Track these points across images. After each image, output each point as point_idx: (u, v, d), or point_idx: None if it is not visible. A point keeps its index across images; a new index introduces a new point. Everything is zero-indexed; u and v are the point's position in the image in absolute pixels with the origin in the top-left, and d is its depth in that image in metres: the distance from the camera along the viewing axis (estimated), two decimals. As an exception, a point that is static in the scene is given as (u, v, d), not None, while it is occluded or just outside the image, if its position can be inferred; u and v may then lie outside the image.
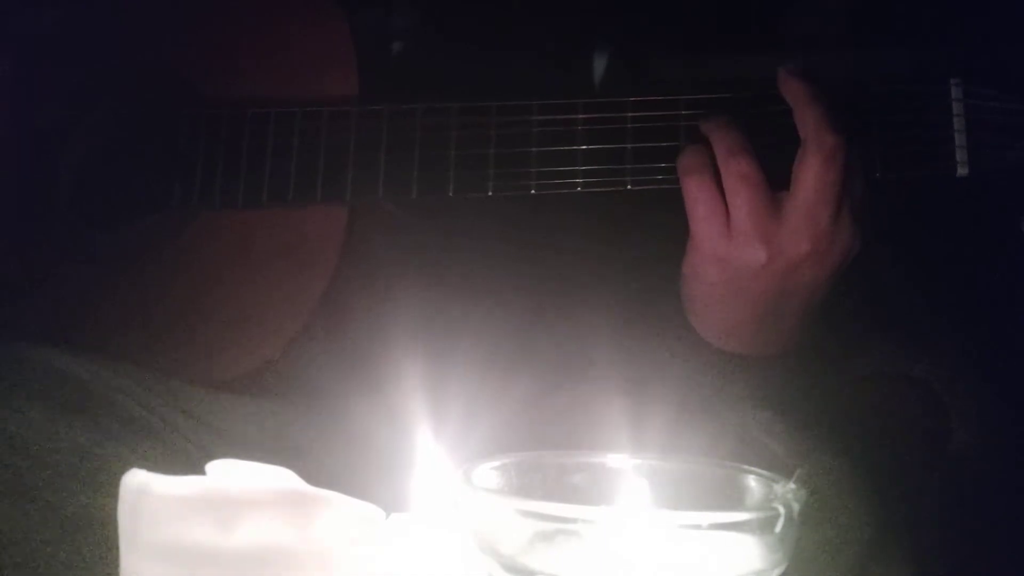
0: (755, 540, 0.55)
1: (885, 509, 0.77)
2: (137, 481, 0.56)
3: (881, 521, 0.76)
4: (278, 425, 0.96)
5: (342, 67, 0.99)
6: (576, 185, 0.94)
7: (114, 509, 0.57)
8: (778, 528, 0.55)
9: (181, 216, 1.00)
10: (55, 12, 1.06)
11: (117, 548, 0.57)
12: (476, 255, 1.02)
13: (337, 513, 0.57)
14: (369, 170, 0.96)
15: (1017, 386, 0.92)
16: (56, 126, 1.06)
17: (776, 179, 0.88)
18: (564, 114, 0.94)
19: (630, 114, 0.93)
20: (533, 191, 0.94)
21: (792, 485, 0.58)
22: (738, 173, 0.88)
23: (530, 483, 0.61)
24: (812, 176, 0.86)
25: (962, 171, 0.90)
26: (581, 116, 0.94)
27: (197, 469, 0.58)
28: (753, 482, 0.60)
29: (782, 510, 0.55)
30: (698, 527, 0.54)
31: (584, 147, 0.93)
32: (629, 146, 0.93)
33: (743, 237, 0.88)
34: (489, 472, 0.60)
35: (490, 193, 0.94)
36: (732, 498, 0.60)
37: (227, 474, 0.60)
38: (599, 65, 1.07)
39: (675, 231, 0.92)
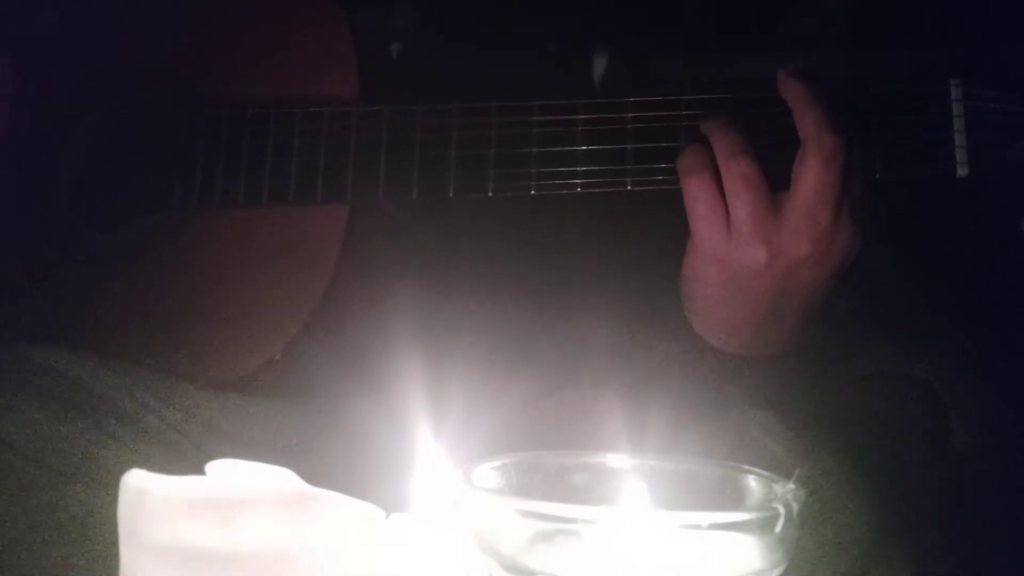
0: (755, 540, 0.55)
1: (885, 509, 0.77)
2: (137, 481, 0.56)
3: (881, 521, 0.76)
4: (278, 425, 0.96)
5: (342, 67, 0.99)
6: (576, 185, 0.94)
7: (114, 509, 0.57)
8: (778, 528, 0.55)
9: (181, 216, 1.00)
10: (55, 12, 1.06)
11: (117, 548, 0.57)
12: (476, 255, 1.02)
13: (337, 513, 0.57)
14: (369, 170, 0.96)
15: (1017, 386, 0.92)
16: (56, 126, 1.06)
17: (776, 179, 0.88)
18: (564, 114, 0.94)
19: (630, 114, 0.93)
20: (533, 191, 0.94)
21: (792, 485, 0.58)
22: (738, 174, 0.88)
23: (530, 483, 0.61)
24: (812, 177, 0.86)
25: (962, 171, 0.90)
26: (581, 116, 0.94)
27: (197, 469, 0.58)
28: (753, 482, 0.60)
29: (782, 510, 0.55)
30: (698, 527, 0.54)
31: (584, 147, 0.93)
32: (629, 146, 0.93)
33: (743, 238, 0.88)
34: (489, 472, 0.59)
35: (490, 194, 0.94)
36: (732, 498, 0.60)
37: (227, 474, 0.60)
38: (599, 65, 1.07)
39: (675, 231, 0.92)
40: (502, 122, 0.95)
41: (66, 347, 0.93)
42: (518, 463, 0.61)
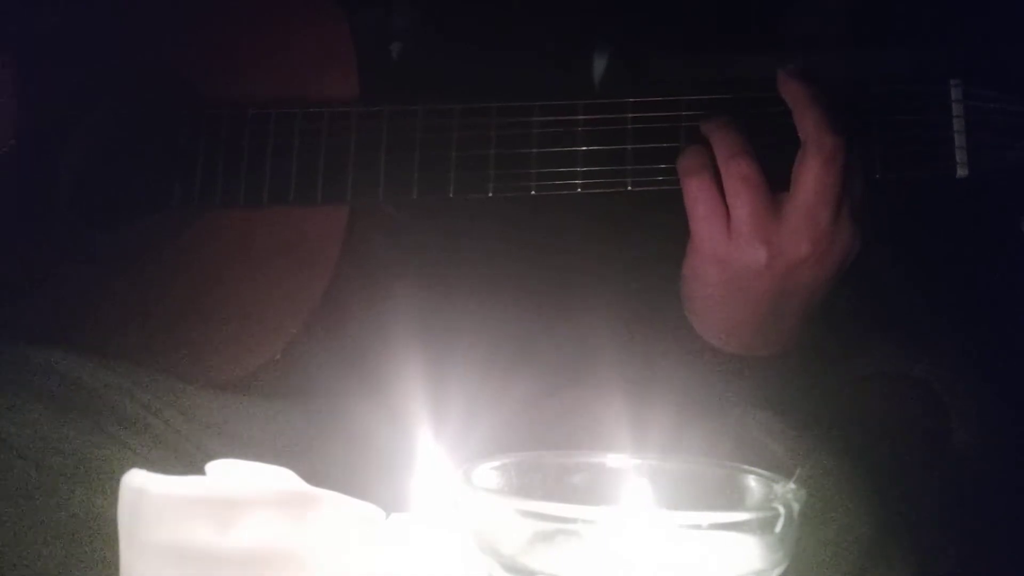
0: (755, 540, 0.55)
1: (885, 509, 0.77)
2: (137, 481, 0.56)
3: (881, 521, 0.76)
4: (278, 425, 0.96)
5: (342, 68, 0.99)
6: (576, 186, 0.94)
7: (113, 510, 0.57)
8: (778, 528, 0.55)
9: (181, 216, 1.00)
10: (55, 12, 1.06)
11: (116, 549, 0.57)
12: (476, 256, 1.02)
13: (337, 513, 0.57)
14: (369, 171, 0.96)
15: (1017, 386, 0.92)
16: (56, 126, 1.06)
17: (776, 180, 0.88)
18: (564, 115, 0.94)
19: (630, 115, 0.93)
20: (533, 192, 0.94)
21: (792, 485, 0.58)
22: (738, 174, 0.88)
23: (530, 483, 0.61)
24: (812, 177, 0.86)
25: (962, 172, 0.90)
26: (581, 117, 0.94)
27: (197, 469, 0.58)
28: (753, 482, 0.60)
29: (782, 510, 0.55)
30: (698, 527, 0.54)
31: (584, 148, 0.93)
32: (629, 147, 0.93)
33: (743, 238, 0.88)
34: (489, 472, 0.59)
35: (490, 194, 0.94)
36: (732, 498, 0.60)
37: (227, 474, 0.60)
38: (599, 65, 1.07)
39: (675, 232, 0.92)
40: (502, 123, 0.95)
41: (66, 347, 0.93)
42: (518, 463, 0.61)
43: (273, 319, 0.96)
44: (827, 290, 0.90)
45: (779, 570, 0.56)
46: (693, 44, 1.07)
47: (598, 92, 1.06)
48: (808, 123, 0.87)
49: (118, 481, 0.57)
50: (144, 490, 0.56)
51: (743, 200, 0.88)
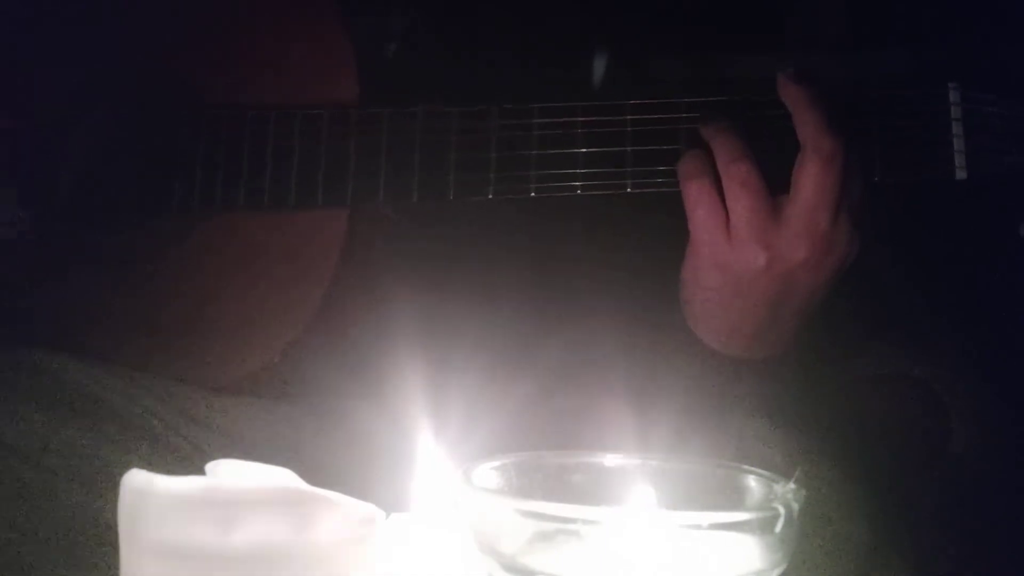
0: (755, 540, 0.55)
1: (884, 510, 0.77)
2: (137, 481, 0.56)
3: (880, 522, 0.76)
4: (278, 426, 0.96)
5: (342, 71, 0.99)
6: (576, 188, 0.94)
7: (112, 512, 0.57)
8: (778, 528, 0.55)
9: (181, 219, 1.00)
10: (55, 12, 1.06)
11: (114, 550, 0.57)
12: (476, 258, 1.02)
13: (337, 513, 0.57)
14: (370, 174, 0.96)
15: (1017, 386, 0.92)
16: (56, 126, 1.05)
17: (776, 183, 0.88)
18: (564, 117, 0.94)
19: (630, 117, 0.93)
20: (533, 194, 0.94)
21: (792, 485, 0.58)
22: (738, 178, 0.88)
23: (530, 483, 0.61)
24: (811, 180, 0.87)
25: (961, 175, 0.90)
26: (581, 119, 0.94)
27: (197, 470, 0.58)
28: (753, 482, 0.60)
29: (782, 510, 0.55)
30: (698, 527, 0.54)
31: (584, 150, 0.94)
32: (629, 149, 0.93)
33: (743, 241, 0.88)
34: (489, 472, 0.60)
35: (490, 196, 0.94)
36: (732, 498, 0.60)
37: (227, 474, 0.60)
38: (599, 66, 1.07)
39: (675, 234, 0.92)
40: (502, 125, 0.95)
41: (66, 351, 0.93)
42: (518, 463, 0.61)
43: (273, 321, 0.96)
44: (826, 292, 0.90)
45: (779, 570, 0.56)
46: (693, 44, 1.07)
47: (598, 94, 1.06)
48: (807, 126, 0.87)
49: (116, 482, 0.57)
50: (144, 490, 0.56)
51: (742, 204, 0.88)
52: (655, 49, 1.07)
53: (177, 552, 0.55)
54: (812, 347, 0.94)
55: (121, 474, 0.57)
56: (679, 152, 0.91)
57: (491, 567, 0.56)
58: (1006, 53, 0.93)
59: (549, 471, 0.62)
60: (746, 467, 0.61)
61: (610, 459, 0.63)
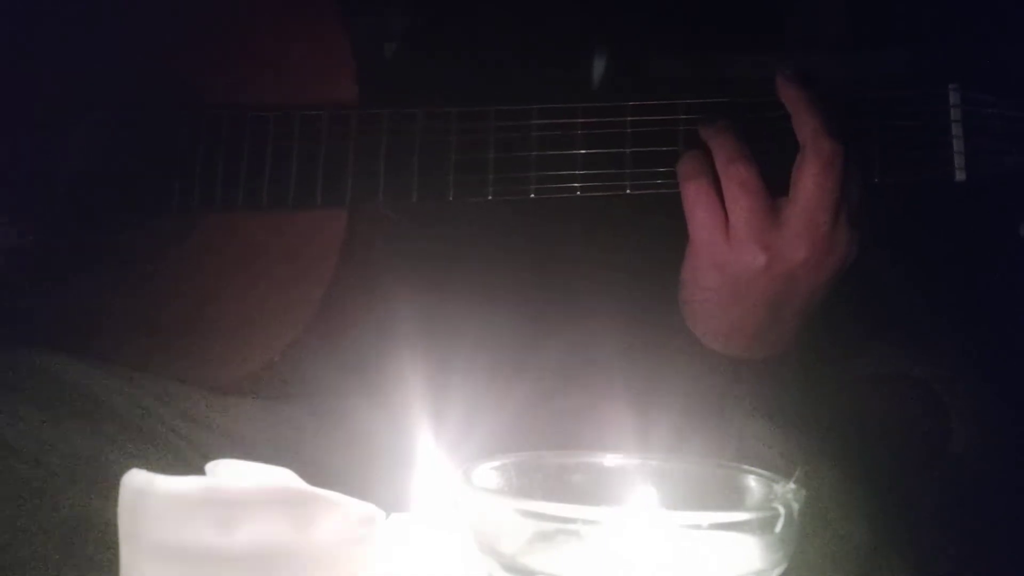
0: (755, 540, 0.55)
1: (884, 511, 0.77)
2: (137, 481, 0.56)
3: (880, 523, 0.77)
4: (278, 425, 0.96)
5: (341, 71, 0.99)
6: (575, 189, 0.94)
7: (111, 512, 0.57)
8: (778, 528, 0.55)
9: (181, 219, 1.00)
10: (55, 12, 1.06)
11: (113, 550, 0.57)
12: (476, 258, 1.02)
13: (337, 513, 0.57)
14: (369, 175, 0.96)
15: (1017, 386, 0.92)
16: (56, 127, 1.05)
17: (775, 184, 0.88)
18: (563, 118, 0.94)
19: (629, 118, 0.93)
20: (532, 195, 0.94)
21: (792, 485, 0.58)
22: (737, 179, 0.88)
23: (530, 483, 0.61)
24: (810, 182, 0.87)
25: (960, 176, 0.90)
26: (580, 120, 0.94)
27: (196, 471, 0.58)
28: (753, 482, 0.60)
29: (782, 510, 0.55)
30: (698, 527, 0.54)
31: (583, 151, 0.94)
32: (628, 150, 0.93)
33: (742, 242, 0.88)
34: (489, 472, 0.60)
35: (490, 197, 0.94)
36: (732, 498, 0.60)
37: (227, 474, 0.60)
38: (599, 66, 1.07)
39: (674, 235, 0.92)
40: (501, 126, 0.95)
41: (66, 351, 0.93)
42: (518, 463, 0.61)
43: (273, 321, 0.96)
44: (826, 293, 0.90)
45: (779, 570, 0.56)
46: (693, 44, 1.07)
47: (597, 93, 1.06)
48: (806, 127, 0.87)
49: (115, 483, 0.57)
50: (144, 490, 0.56)
51: (742, 205, 0.88)
52: (655, 49, 1.07)
53: (177, 552, 0.55)
54: (812, 347, 0.94)
55: (121, 474, 0.57)
56: (678, 153, 0.91)
57: (491, 567, 0.56)
58: (1006, 54, 0.93)
59: (549, 471, 0.62)
60: (746, 467, 0.61)
61: (610, 459, 0.63)
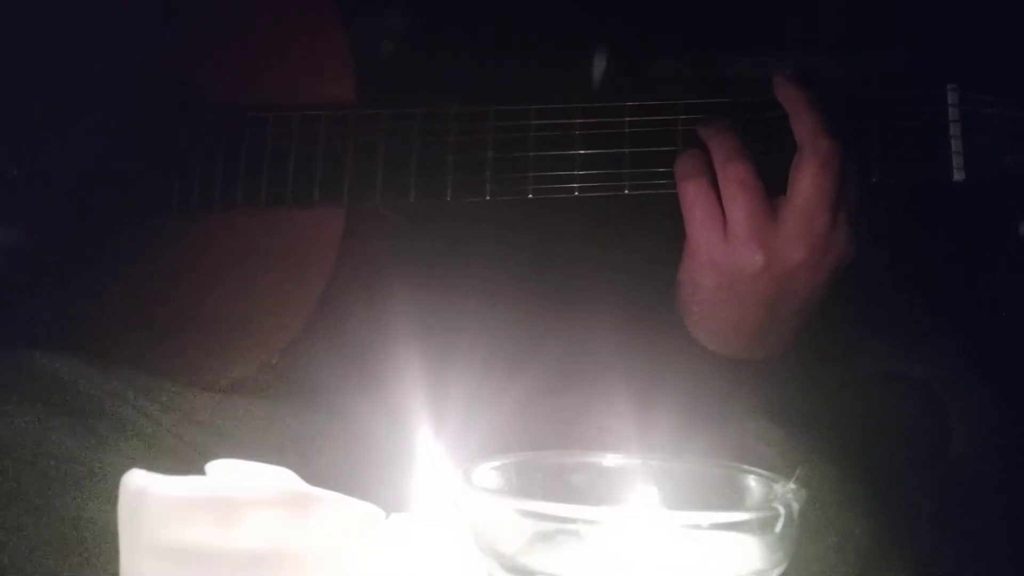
0: (755, 540, 0.55)
1: (884, 510, 0.77)
2: (137, 482, 0.56)
3: (880, 522, 0.76)
4: (278, 425, 0.96)
5: (340, 71, 0.99)
6: (574, 189, 0.94)
7: (107, 513, 0.57)
8: (778, 528, 0.55)
9: (180, 219, 1.00)
10: (55, 12, 1.06)
11: (111, 552, 0.57)
12: (474, 259, 1.02)
13: (337, 513, 0.57)
14: (367, 174, 0.96)
15: (1017, 386, 0.92)
16: (56, 127, 1.05)
17: (773, 184, 0.88)
18: (562, 119, 0.94)
19: (628, 119, 0.93)
20: (531, 195, 0.94)
21: (792, 485, 0.58)
22: (735, 178, 0.88)
23: (530, 483, 0.61)
24: (809, 181, 0.86)
25: (959, 176, 0.90)
26: (579, 121, 0.94)
27: (197, 470, 0.58)
28: (753, 482, 0.60)
29: (782, 510, 0.55)
30: (698, 527, 0.54)
31: (582, 151, 0.94)
32: (627, 151, 0.93)
33: (740, 242, 0.88)
34: (489, 472, 0.60)
35: (488, 197, 0.94)
36: (732, 498, 0.60)
37: (227, 474, 0.60)
38: (598, 66, 1.07)
39: (673, 236, 0.92)
40: (500, 126, 0.95)
41: (63, 351, 0.92)
42: (518, 463, 0.61)
43: (272, 322, 0.96)
44: (825, 292, 0.90)
45: (779, 570, 0.56)
46: (693, 44, 1.07)
47: (596, 94, 1.06)
48: (804, 127, 0.87)
49: (113, 484, 0.57)
50: (144, 491, 0.56)
51: (739, 204, 0.88)
52: (655, 49, 1.07)
53: (177, 552, 0.55)
54: (812, 347, 0.94)
55: (120, 475, 0.57)
56: (677, 154, 0.91)
57: (491, 567, 0.56)
58: (1005, 54, 0.93)
59: (549, 471, 0.62)
60: (746, 467, 0.61)
61: (610, 459, 0.63)
